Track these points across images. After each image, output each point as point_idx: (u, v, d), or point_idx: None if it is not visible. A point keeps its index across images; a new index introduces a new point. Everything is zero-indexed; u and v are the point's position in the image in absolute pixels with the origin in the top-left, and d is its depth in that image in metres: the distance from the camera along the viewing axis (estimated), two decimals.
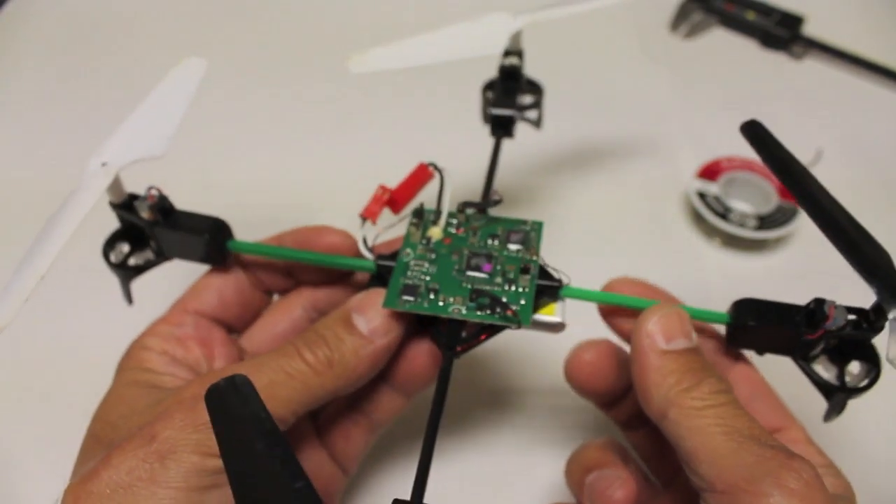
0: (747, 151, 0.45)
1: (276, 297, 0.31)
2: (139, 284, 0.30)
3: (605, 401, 0.30)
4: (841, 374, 0.26)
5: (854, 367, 0.25)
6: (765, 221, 0.43)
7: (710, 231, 0.43)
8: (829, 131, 0.48)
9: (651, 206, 0.46)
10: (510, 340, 0.38)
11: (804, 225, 0.42)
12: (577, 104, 0.52)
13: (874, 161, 0.47)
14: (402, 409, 0.29)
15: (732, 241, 0.43)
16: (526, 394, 0.38)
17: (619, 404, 0.30)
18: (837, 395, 0.25)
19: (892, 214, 0.43)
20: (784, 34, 0.54)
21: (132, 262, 0.29)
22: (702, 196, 0.44)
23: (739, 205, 0.44)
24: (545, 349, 0.38)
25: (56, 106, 0.52)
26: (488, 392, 0.38)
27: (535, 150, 0.48)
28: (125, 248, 0.29)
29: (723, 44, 0.56)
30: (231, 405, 0.17)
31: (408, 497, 0.20)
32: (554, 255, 0.42)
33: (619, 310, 0.28)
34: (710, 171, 0.45)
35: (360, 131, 0.52)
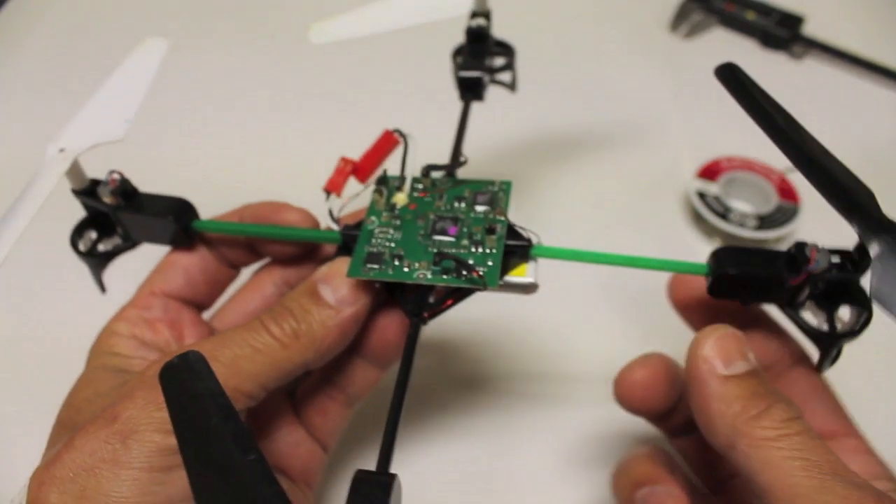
0: (747, 151, 0.46)
1: (243, 271, 0.31)
2: (111, 270, 0.30)
3: (657, 416, 0.29)
4: (831, 320, 0.24)
5: (844, 311, 0.24)
6: (765, 221, 0.43)
7: (710, 231, 0.43)
8: (828, 131, 0.47)
9: (651, 206, 0.46)
10: (490, 324, 0.39)
11: (804, 225, 0.42)
12: (577, 104, 0.52)
13: (874, 161, 0.47)
14: (378, 381, 0.29)
15: (732, 241, 0.43)
16: (502, 379, 0.38)
17: (669, 416, 0.28)
18: (828, 343, 0.24)
19: (893, 214, 0.43)
20: (784, 34, 0.54)
21: (101, 248, 0.29)
22: (702, 196, 0.44)
23: (739, 205, 0.44)
24: (524, 332, 0.39)
25: (57, 105, 0.52)
26: (466, 378, 0.38)
27: (534, 150, 0.48)
28: (93, 235, 0.29)
29: (723, 44, 0.56)
30: (185, 382, 0.17)
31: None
32: (570, 274, 0.42)
33: (692, 301, 0.27)
34: (710, 171, 0.45)
35: (325, 104, 0.52)
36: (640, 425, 0.35)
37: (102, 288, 0.30)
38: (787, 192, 0.44)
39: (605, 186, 0.47)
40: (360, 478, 0.20)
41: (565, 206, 0.45)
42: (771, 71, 0.54)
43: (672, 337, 0.39)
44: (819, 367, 0.26)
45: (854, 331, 0.24)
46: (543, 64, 0.55)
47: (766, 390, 0.22)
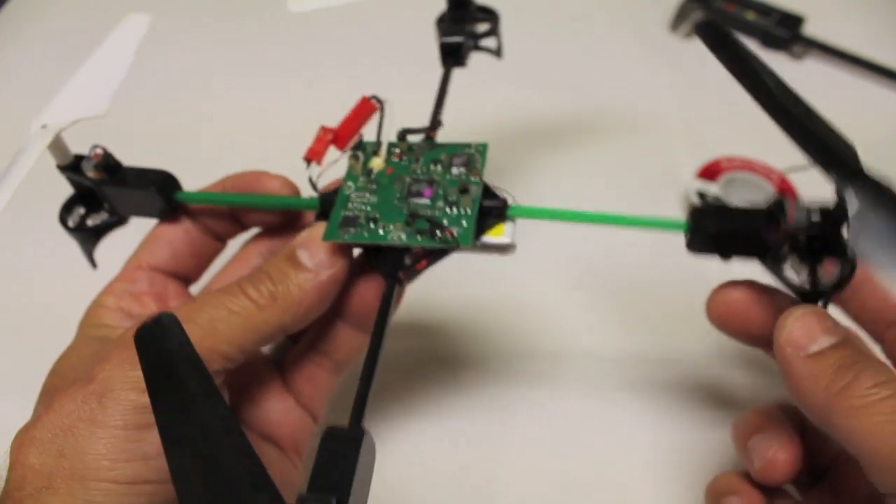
0: (747, 151, 0.46)
1: (231, 245, 0.32)
2: (102, 247, 0.31)
3: (760, 342, 0.28)
4: (813, 274, 0.24)
5: (826, 266, 0.24)
6: None
7: None
8: None
9: (651, 206, 0.46)
10: (476, 305, 0.40)
11: None
12: (577, 104, 0.52)
13: (874, 161, 0.47)
14: (363, 346, 0.29)
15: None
16: (488, 358, 0.39)
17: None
18: (811, 297, 0.24)
19: None
20: (784, 34, 0.54)
21: (89, 223, 0.30)
22: (702, 196, 0.44)
23: (740, 205, 0.44)
24: (509, 312, 0.40)
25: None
26: (452, 357, 0.39)
27: (531, 150, 0.48)
28: (81, 211, 0.30)
29: None
30: (158, 340, 0.18)
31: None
32: (554, 256, 0.42)
33: (730, 314, 0.27)
34: (710, 171, 0.45)
35: (306, 75, 0.53)
36: (626, 399, 0.37)
37: (93, 264, 0.30)
38: (787, 192, 0.44)
39: (603, 186, 0.47)
40: (330, 434, 0.20)
41: (564, 205, 0.45)
42: None
43: (654, 313, 0.40)
44: None
45: (837, 284, 0.24)
46: (542, 64, 0.55)
47: (853, 359, 0.21)
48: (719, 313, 0.27)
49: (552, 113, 0.51)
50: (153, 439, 0.22)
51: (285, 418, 0.29)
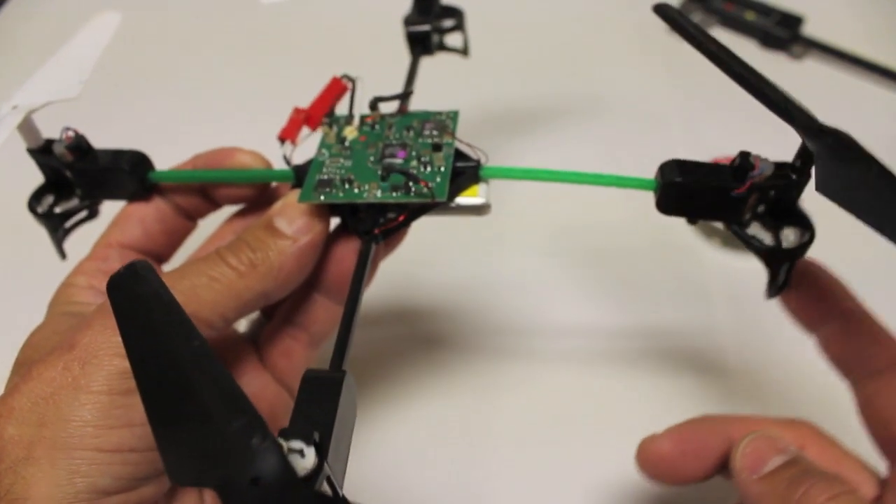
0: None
1: (205, 228, 0.32)
2: (71, 239, 0.30)
3: (699, 480, 0.27)
4: (777, 238, 0.25)
5: (788, 233, 0.25)
6: None
7: (710, 231, 0.43)
8: None
9: (650, 207, 0.46)
10: (457, 288, 0.41)
11: None
12: (576, 105, 0.52)
13: None
14: (339, 318, 0.29)
15: (732, 241, 0.43)
16: (472, 338, 0.39)
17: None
18: (775, 258, 0.25)
19: None
20: (784, 34, 0.54)
21: (58, 210, 0.29)
22: None
23: None
24: (490, 293, 0.41)
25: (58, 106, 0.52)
26: (437, 339, 0.40)
27: (530, 152, 0.48)
28: (50, 199, 0.29)
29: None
30: (131, 288, 0.18)
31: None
32: (554, 260, 0.42)
33: (658, 470, 0.27)
34: None
35: (277, 63, 0.54)
36: (606, 374, 0.37)
37: (62, 254, 0.30)
38: None
39: (602, 186, 0.47)
40: (310, 377, 0.20)
41: (561, 206, 0.45)
42: (771, 71, 0.53)
43: (625, 285, 0.41)
44: (768, 290, 0.26)
45: (799, 247, 0.24)
46: (542, 65, 0.55)
47: (800, 474, 0.22)
48: (651, 472, 0.27)
49: (545, 114, 0.51)
50: (138, 406, 0.21)
51: (262, 393, 0.29)
